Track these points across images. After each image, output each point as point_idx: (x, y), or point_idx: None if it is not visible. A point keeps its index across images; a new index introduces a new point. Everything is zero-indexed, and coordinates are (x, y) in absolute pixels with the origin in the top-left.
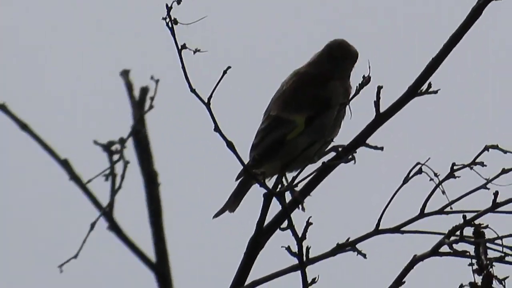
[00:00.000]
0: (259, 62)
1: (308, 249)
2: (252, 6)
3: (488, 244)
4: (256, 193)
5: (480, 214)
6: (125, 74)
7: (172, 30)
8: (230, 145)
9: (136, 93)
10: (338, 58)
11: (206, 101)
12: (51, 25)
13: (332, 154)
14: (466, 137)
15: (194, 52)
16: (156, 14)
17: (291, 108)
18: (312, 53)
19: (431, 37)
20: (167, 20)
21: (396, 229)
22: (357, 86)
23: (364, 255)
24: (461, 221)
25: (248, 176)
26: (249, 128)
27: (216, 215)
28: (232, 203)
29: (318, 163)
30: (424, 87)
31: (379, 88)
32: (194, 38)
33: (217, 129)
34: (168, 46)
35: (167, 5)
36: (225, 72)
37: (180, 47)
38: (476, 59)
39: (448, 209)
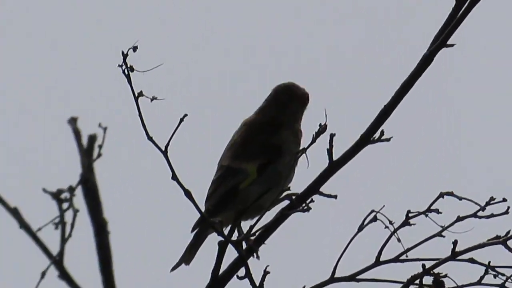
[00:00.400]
0: (217, 109)
1: None
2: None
3: None
4: (210, 242)
5: (440, 263)
6: (72, 121)
7: (128, 77)
8: (188, 194)
9: (85, 140)
10: (285, 102)
11: (163, 149)
12: None
13: (286, 202)
14: (421, 184)
15: (151, 100)
16: (113, 61)
17: (242, 157)
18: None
19: (384, 84)
20: (123, 67)
21: (352, 278)
22: (313, 135)
23: None
24: (418, 269)
25: (205, 226)
26: (206, 176)
27: (173, 269)
28: (188, 255)
29: (272, 211)
30: (377, 135)
31: (332, 136)
32: (152, 85)
33: (174, 177)
34: (126, 93)
35: (122, 52)
36: (181, 119)
37: (136, 95)
38: (429, 104)
39: (403, 257)
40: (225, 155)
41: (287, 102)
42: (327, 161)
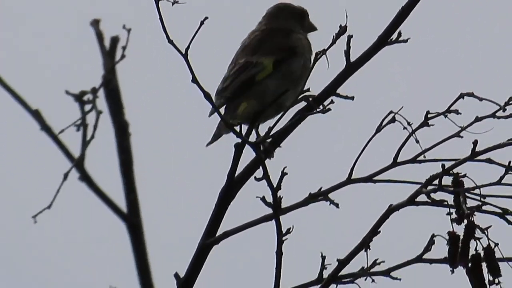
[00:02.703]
0: (238, 12)
1: (280, 199)
2: None
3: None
4: (226, 144)
5: (459, 163)
6: (95, 23)
7: None
8: (207, 97)
9: (107, 42)
10: (282, 18)
11: (183, 52)
12: None
13: (303, 103)
14: (440, 86)
15: (173, 4)
16: None
17: (259, 53)
18: None
19: None
20: None
21: (369, 179)
22: (333, 36)
23: (337, 205)
24: (436, 171)
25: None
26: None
27: (209, 143)
28: (223, 127)
29: (289, 113)
30: (394, 36)
31: (349, 37)
32: None
33: (194, 80)
34: None
35: None
36: (202, 23)
37: None
38: (448, 5)
39: (421, 157)
40: (240, 55)
41: (284, 18)
42: (344, 63)
